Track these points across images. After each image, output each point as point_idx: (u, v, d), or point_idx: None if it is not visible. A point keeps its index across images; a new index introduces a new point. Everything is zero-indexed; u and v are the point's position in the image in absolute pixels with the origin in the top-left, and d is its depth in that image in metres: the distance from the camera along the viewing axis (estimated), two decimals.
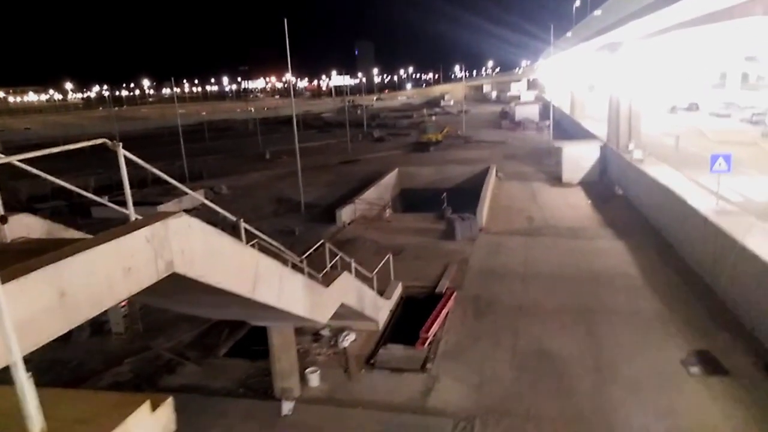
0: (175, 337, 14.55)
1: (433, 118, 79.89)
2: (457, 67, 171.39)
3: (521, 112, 66.91)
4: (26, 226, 6.44)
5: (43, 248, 5.17)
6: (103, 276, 4.70)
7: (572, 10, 63.16)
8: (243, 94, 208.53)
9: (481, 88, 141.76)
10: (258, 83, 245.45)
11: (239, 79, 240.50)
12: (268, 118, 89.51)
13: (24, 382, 2.56)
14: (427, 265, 18.95)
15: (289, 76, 29.23)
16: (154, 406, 2.93)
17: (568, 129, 51.18)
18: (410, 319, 14.94)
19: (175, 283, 6.06)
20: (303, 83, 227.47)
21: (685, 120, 47.09)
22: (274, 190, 33.57)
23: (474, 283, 17.22)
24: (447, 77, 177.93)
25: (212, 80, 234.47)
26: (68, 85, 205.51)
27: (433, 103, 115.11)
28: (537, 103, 74.26)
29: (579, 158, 31.85)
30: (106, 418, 2.75)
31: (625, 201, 26.60)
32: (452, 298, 15.79)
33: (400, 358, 12.84)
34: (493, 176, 31.64)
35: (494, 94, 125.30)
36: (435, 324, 14.07)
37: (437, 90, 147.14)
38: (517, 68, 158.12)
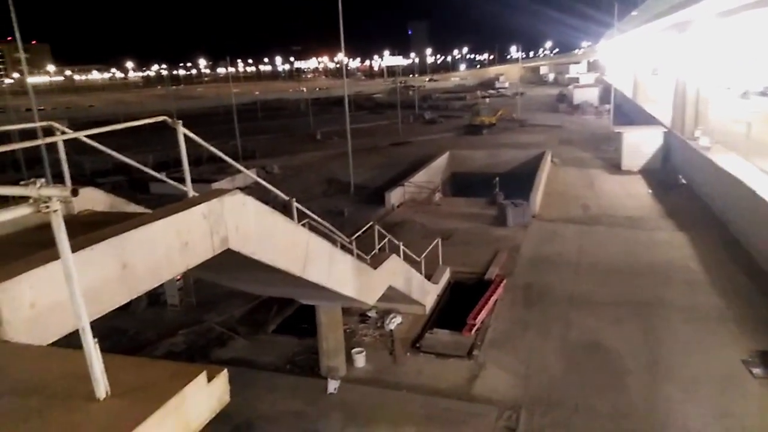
0: (227, 312, 14.96)
1: (487, 100, 78.33)
2: (513, 48, 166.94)
3: (580, 95, 64.60)
4: (91, 199, 6.68)
5: (106, 221, 5.34)
6: (163, 249, 4.81)
7: None
8: (295, 74, 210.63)
9: (537, 69, 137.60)
10: (310, 63, 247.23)
11: (292, 59, 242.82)
12: (319, 98, 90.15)
13: (91, 348, 2.62)
14: (477, 251, 18.70)
15: (341, 57, 29.14)
16: (210, 377, 2.96)
17: (630, 114, 49.10)
18: (457, 305, 14.83)
19: (229, 259, 6.16)
20: (355, 63, 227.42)
21: (760, 106, 44.34)
22: (324, 171, 33.84)
23: (525, 271, 16.87)
24: (502, 58, 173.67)
25: (266, 60, 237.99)
26: (129, 64, 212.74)
27: (487, 84, 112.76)
28: (597, 86, 71.46)
29: (640, 144, 30.53)
30: (164, 386, 2.78)
31: (688, 191, 25.36)
32: (501, 285, 15.54)
33: (447, 343, 12.77)
34: (548, 162, 30.77)
35: (552, 76, 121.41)
36: (483, 311, 13.90)
37: (492, 71, 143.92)
38: (577, 49, 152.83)
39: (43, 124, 6.24)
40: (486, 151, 36.78)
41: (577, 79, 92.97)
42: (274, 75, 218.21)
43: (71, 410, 2.65)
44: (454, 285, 16.45)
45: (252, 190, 6.42)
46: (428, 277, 15.11)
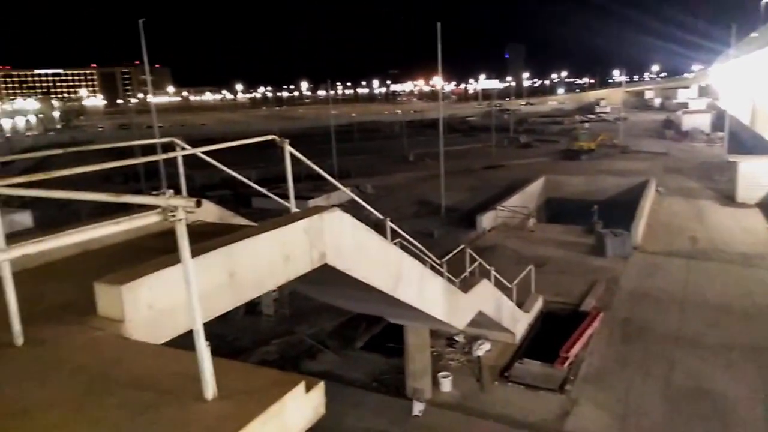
0: (318, 325, 15.35)
1: (586, 125, 75.41)
2: (615, 72, 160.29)
3: (689, 122, 60.55)
4: (203, 210, 7.16)
5: (216, 231, 5.71)
6: (266, 261, 5.04)
7: (759, 8, 55.89)
8: (391, 97, 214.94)
9: (642, 94, 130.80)
10: (406, 86, 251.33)
11: (388, 82, 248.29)
12: (413, 120, 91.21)
13: (203, 350, 2.78)
14: (572, 281, 17.90)
15: (437, 80, 29.41)
16: (308, 388, 3.04)
17: (747, 142, 45.29)
18: (549, 336, 14.23)
19: (324, 274, 6.33)
20: (450, 87, 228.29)
21: None
22: (416, 192, 34.05)
23: (624, 305, 15.91)
24: (604, 82, 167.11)
25: (363, 83, 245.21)
26: (238, 87, 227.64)
27: (587, 109, 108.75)
28: (709, 111, 66.70)
29: (759, 175, 27.97)
30: (266, 392, 2.90)
31: None
32: (598, 318, 14.75)
33: (537, 375, 12.26)
34: (652, 190, 29.01)
35: (658, 101, 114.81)
36: (577, 344, 13.24)
37: (592, 95, 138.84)
38: (687, 73, 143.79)
39: (166, 140, 6.80)
40: (584, 177, 35.35)
41: (686, 105, 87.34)
42: (371, 97, 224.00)
43: (181, 408, 2.82)
44: (547, 315, 15.82)
45: (346, 208, 6.58)
46: (519, 305, 14.66)
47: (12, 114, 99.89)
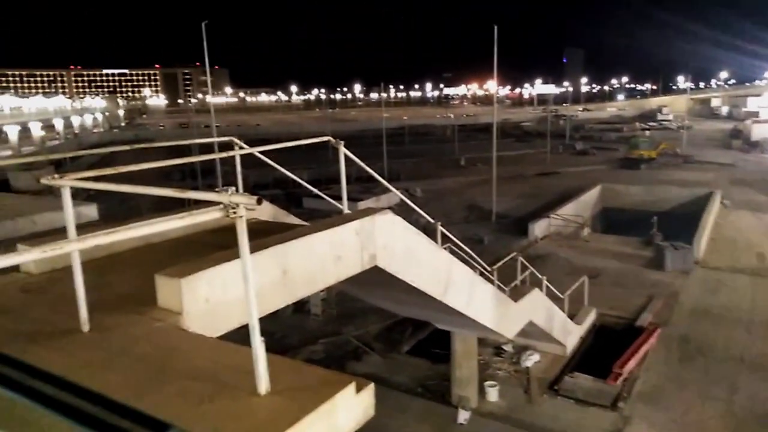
0: (364, 327, 15.41)
1: (647, 132, 72.82)
2: (680, 78, 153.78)
3: (759, 132, 57.39)
4: (259, 208, 7.30)
5: (270, 229, 5.81)
6: (319, 260, 5.09)
7: None
8: (444, 100, 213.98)
9: (708, 101, 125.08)
10: (459, 90, 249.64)
11: (441, 85, 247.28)
12: (466, 125, 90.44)
13: (258, 345, 2.82)
14: (628, 294, 17.27)
15: (492, 84, 29.09)
16: (358, 389, 3.04)
17: None
18: (602, 350, 13.78)
19: (373, 276, 6.34)
20: (504, 91, 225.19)
21: None
22: (466, 197, 33.72)
23: (683, 322, 15.21)
24: (667, 89, 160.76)
25: (416, 86, 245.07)
26: (293, 88, 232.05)
27: (648, 116, 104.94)
28: None
29: None
30: (318, 390, 2.92)
31: None
32: (655, 334, 14.15)
33: (588, 389, 11.87)
34: (716, 203, 27.66)
35: (725, 110, 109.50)
36: (632, 360, 12.75)
37: (654, 102, 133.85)
38: (758, 81, 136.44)
39: (225, 139, 6.97)
40: (643, 187, 34.08)
41: (756, 113, 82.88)
42: (423, 101, 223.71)
43: (236, 400, 2.87)
44: (600, 328, 15.32)
45: (396, 211, 6.56)
46: (571, 317, 14.25)
47: (81, 111, 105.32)
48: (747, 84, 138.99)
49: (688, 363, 12.98)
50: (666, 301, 16.64)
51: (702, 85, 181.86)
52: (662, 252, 19.76)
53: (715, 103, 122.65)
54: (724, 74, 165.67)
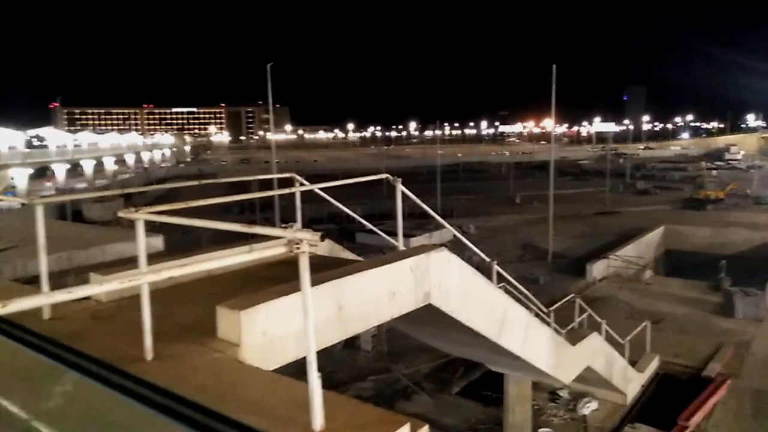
0: (414, 365, 15.20)
1: (714, 172, 69.78)
2: (750, 116, 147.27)
3: None
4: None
5: (325, 264, 5.90)
6: (373, 297, 5.13)
7: None
8: (499, 138, 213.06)
9: None
10: (515, 127, 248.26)
11: (497, 123, 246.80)
12: (521, 162, 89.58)
13: (315, 380, 2.84)
14: (694, 342, 16.33)
15: (550, 122, 28.88)
16: (413, 430, 3.01)
17: None
18: (666, 401, 13.03)
19: (427, 314, 6.30)
20: (562, 129, 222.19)
21: None
22: (521, 235, 33.14)
23: (756, 374, 14.20)
24: (735, 127, 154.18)
25: (471, 124, 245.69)
26: (350, 126, 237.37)
27: (715, 155, 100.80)
28: None
29: None
30: (373, 429, 2.91)
31: None
32: (724, 386, 13.25)
33: None
34: None
35: None
36: (698, 412, 11.96)
37: (721, 141, 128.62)
38: None
39: (287, 175, 7.21)
40: (710, 228, 32.49)
41: None
42: (479, 138, 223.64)
43: None
44: (663, 377, 14.52)
45: (449, 249, 6.54)
46: (632, 364, 13.57)
47: (151, 147, 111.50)
48: None
49: (762, 419, 12.04)
50: (736, 350, 15.62)
51: None
52: (732, 297, 18.67)
53: None
54: None
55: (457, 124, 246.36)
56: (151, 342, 3.85)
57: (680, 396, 12.86)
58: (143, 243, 3.80)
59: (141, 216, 3.65)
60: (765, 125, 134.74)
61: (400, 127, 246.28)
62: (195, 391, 3.40)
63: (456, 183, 64.09)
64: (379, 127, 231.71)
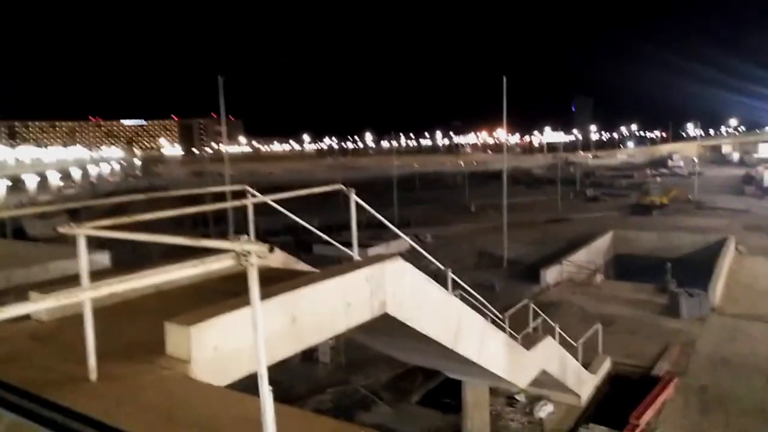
0: (373, 376, 15.15)
1: (658, 179, 72.91)
2: (690, 125, 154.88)
3: None
4: (269, 255, 7.36)
5: (280, 277, 5.82)
6: (328, 308, 5.09)
7: None
8: (454, 148, 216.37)
9: (719, 148, 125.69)
10: (469, 138, 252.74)
11: (451, 133, 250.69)
12: (476, 172, 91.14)
13: (266, 395, 2.79)
14: (643, 343, 16.92)
15: (501, 132, 29.57)
16: None
17: None
18: (618, 400, 13.42)
19: (383, 323, 6.31)
20: (514, 139, 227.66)
21: None
22: (477, 243, 33.64)
23: (701, 372, 14.81)
24: (677, 136, 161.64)
25: (426, 134, 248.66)
26: (305, 137, 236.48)
27: (659, 163, 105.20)
28: None
29: None
30: None
31: None
32: (672, 384, 13.77)
33: None
34: (731, 249, 27.36)
35: (736, 156, 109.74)
36: (649, 411, 12.37)
37: (664, 149, 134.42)
38: None
39: (238, 187, 7.10)
40: (656, 233, 33.85)
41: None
42: (434, 149, 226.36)
43: None
44: (615, 378, 14.96)
45: (406, 258, 6.58)
46: (585, 366, 13.94)
47: (98, 161, 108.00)
48: (757, 130, 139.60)
49: (708, 414, 12.57)
50: (682, 349, 16.28)
51: (712, 131, 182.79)
52: (677, 299, 19.46)
53: (725, 149, 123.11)
54: (733, 121, 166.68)
55: (412, 135, 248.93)
56: (96, 361, 3.70)
57: (631, 395, 13.26)
58: (85, 259, 3.66)
59: (81, 231, 3.53)
60: (703, 134, 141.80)
61: (356, 138, 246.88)
62: (141, 410, 3.29)
63: (413, 193, 64.63)
64: (334, 139, 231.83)
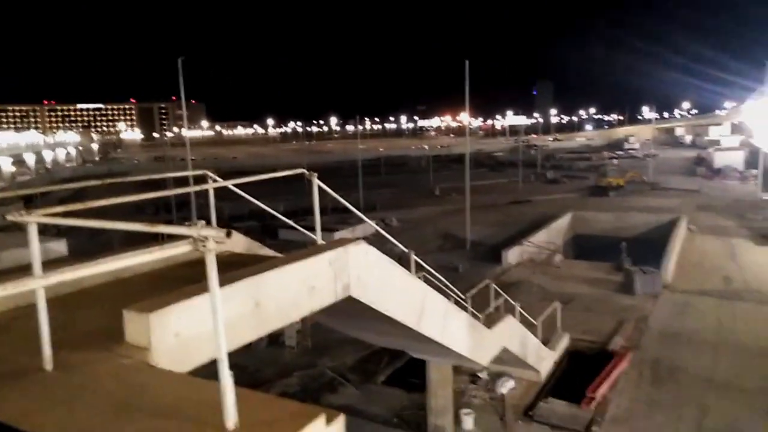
0: (339, 358, 15.28)
1: (615, 161, 74.83)
2: (645, 109, 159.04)
3: (721, 159, 59.56)
4: (232, 241, 7.31)
5: (243, 262, 5.82)
6: (292, 292, 5.13)
7: None
8: (419, 132, 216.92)
9: (672, 131, 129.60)
10: (433, 122, 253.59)
11: (416, 117, 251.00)
12: (440, 155, 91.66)
13: (227, 379, 2.81)
14: (599, 319, 17.53)
15: (465, 116, 29.77)
16: (329, 421, 3.05)
17: None
18: (576, 375, 13.92)
19: (348, 306, 6.38)
20: (477, 122, 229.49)
21: None
22: (441, 226, 34.00)
23: (653, 345, 15.48)
24: (633, 119, 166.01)
25: (391, 118, 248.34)
26: (270, 121, 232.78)
27: (616, 145, 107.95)
28: (742, 149, 65.56)
29: None
30: (286, 423, 2.92)
31: None
32: (626, 358, 14.36)
33: (563, 415, 11.95)
34: (683, 228, 28.44)
35: (689, 138, 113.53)
36: (604, 384, 12.89)
37: (621, 132, 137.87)
38: (719, 110, 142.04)
39: (199, 173, 7.02)
40: (613, 213, 34.87)
41: (718, 142, 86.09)
42: (399, 133, 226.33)
43: None
44: (573, 353, 15.48)
45: (371, 241, 6.67)
46: (545, 343, 14.37)
47: (54, 146, 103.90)
48: (709, 114, 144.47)
49: (659, 386, 13.18)
50: (636, 324, 16.94)
51: (666, 114, 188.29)
52: (632, 277, 20.17)
53: (679, 132, 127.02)
54: (686, 104, 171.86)
55: (377, 119, 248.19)
56: (51, 351, 3.65)
57: (588, 370, 13.77)
58: (36, 247, 3.58)
59: (32, 219, 3.45)
60: (658, 117, 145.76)
61: (321, 122, 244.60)
62: (99, 399, 3.27)
63: (378, 177, 64.62)
64: (299, 123, 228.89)
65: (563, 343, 15.38)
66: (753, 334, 16.00)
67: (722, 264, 23.57)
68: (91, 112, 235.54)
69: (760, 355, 14.52)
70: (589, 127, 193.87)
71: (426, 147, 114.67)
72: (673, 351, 15.02)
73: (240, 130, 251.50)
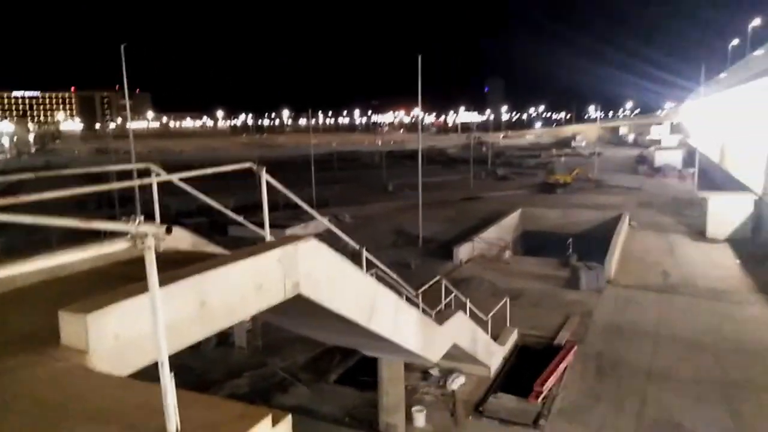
0: (290, 358, 15.10)
1: (562, 159, 77.10)
2: (591, 108, 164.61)
3: (661, 158, 62.33)
4: (176, 238, 7.07)
5: (188, 259, 5.63)
6: (239, 290, 4.99)
7: (727, 49, 58.55)
8: (372, 127, 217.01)
9: (616, 130, 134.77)
10: (387, 117, 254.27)
11: (369, 112, 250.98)
12: (393, 151, 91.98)
13: (167, 382, 2.71)
14: (547, 314, 18.01)
15: (417, 111, 29.96)
16: (275, 422, 2.99)
17: (716, 179, 46.72)
18: (524, 370, 14.22)
19: (298, 304, 6.28)
20: (430, 118, 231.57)
21: None
22: (394, 222, 34.13)
23: (597, 339, 16.03)
24: (580, 118, 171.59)
25: (344, 113, 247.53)
26: (219, 113, 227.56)
27: (563, 143, 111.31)
28: (680, 148, 68.88)
29: (727, 211, 28.78)
30: (231, 426, 2.85)
31: None
32: (572, 352, 14.81)
33: (512, 409, 12.21)
34: (625, 224, 29.59)
35: (631, 137, 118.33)
36: (551, 378, 13.24)
37: (568, 130, 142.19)
38: (659, 110, 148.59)
39: (142, 165, 6.73)
40: (560, 210, 35.92)
41: (658, 141, 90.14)
42: (352, 127, 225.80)
43: None
44: (522, 348, 15.83)
45: (324, 238, 6.58)
46: (495, 338, 14.66)
47: None
48: (650, 113, 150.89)
49: (603, 378, 13.66)
50: (581, 319, 17.50)
51: (611, 114, 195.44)
52: (577, 272, 20.82)
53: (622, 131, 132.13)
54: (629, 104, 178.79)
55: (330, 113, 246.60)
56: None
57: (536, 364, 14.10)
58: None
59: None
60: (603, 116, 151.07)
61: (273, 115, 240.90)
62: (33, 406, 3.09)
63: (331, 172, 64.14)
64: (250, 115, 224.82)
65: (512, 338, 15.72)
66: (688, 326, 16.81)
67: (661, 259, 24.66)
68: (27, 100, 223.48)
69: (695, 347, 15.27)
70: (538, 124, 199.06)
71: (379, 142, 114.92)
72: (616, 344, 15.60)
73: (188, 122, 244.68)
